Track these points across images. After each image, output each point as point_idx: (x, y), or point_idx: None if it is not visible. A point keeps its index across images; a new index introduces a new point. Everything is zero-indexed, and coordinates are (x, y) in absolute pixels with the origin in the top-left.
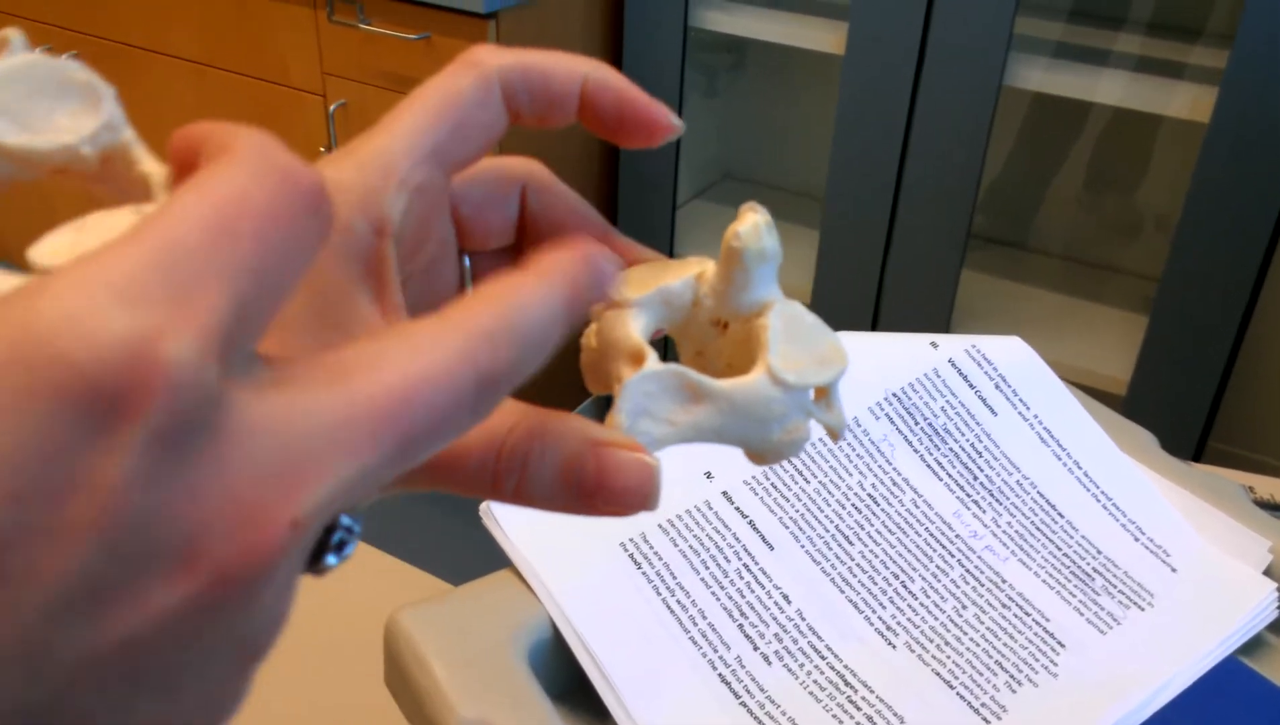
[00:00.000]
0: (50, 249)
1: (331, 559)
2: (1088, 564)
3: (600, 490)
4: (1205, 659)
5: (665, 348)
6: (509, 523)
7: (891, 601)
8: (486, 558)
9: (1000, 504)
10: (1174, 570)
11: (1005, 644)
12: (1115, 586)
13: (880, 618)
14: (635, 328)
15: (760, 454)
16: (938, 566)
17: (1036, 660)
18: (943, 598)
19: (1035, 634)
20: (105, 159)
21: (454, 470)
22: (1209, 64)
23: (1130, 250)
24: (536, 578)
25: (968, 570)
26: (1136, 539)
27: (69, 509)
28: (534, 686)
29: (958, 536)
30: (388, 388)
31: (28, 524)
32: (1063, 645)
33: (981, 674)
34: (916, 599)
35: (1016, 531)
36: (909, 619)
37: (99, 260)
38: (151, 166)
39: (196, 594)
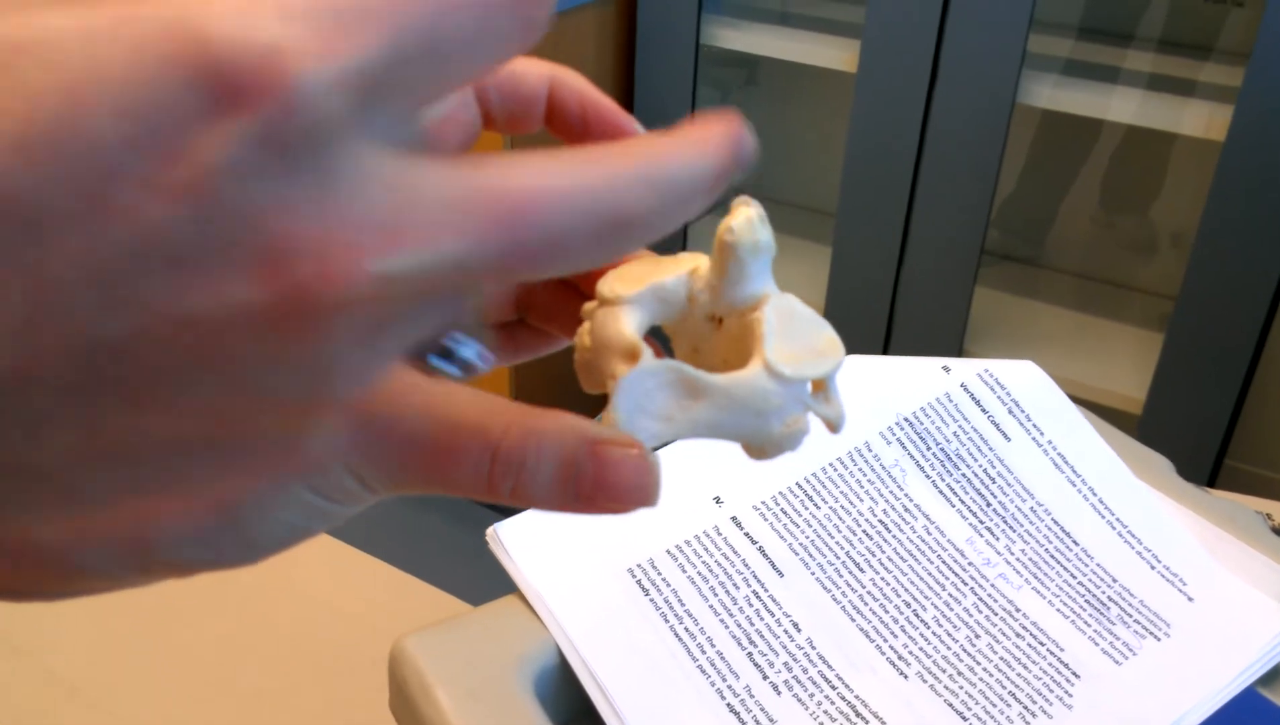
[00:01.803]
0: None
1: (436, 360)
2: (1103, 593)
3: (600, 489)
4: (1223, 690)
5: (666, 342)
6: (516, 549)
7: (903, 630)
8: (496, 574)
9: (1014, 531)
10: (1191, 599)
11: (1019, 674)
12: (1131, 616)
13: (892, 647)
14: (629, 325)
15: (760, 448)
16: (950, 594)
17: (1051, 691)
18: (955, 627)
19: (1050, 664)
20: None
21: (449, 472)
22: (1222, 81)
23: (1146, 268)
24: (543, 604)
25: (981, 599)
26: (1153, 567)
27: (170, 169)
28: (540, 715)
29: (970, 564)
30: (516, 186)
31: (135, 168)
32: (1078, 676)
33: (995, 705)
34: (929, 628)
35: (1030, 559)
36: (921, 648)
37: None
38: None
39: (270, 300)
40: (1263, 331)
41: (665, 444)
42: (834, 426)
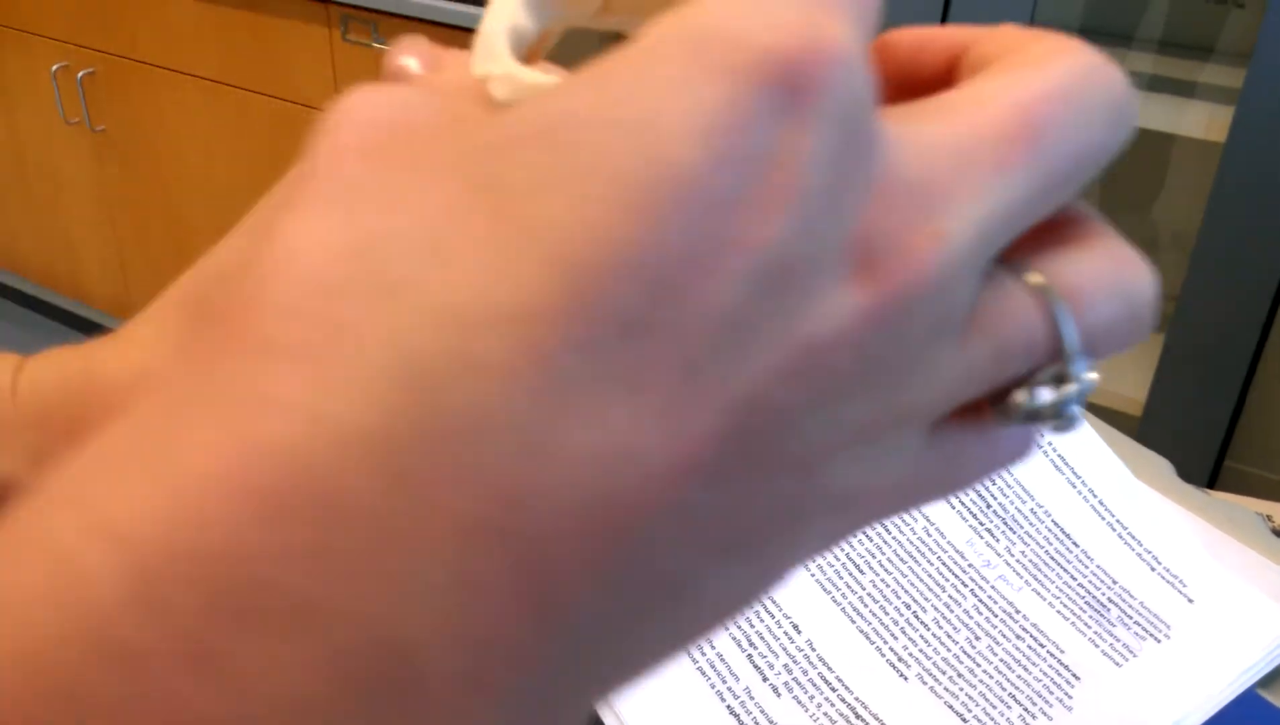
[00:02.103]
0: None
1: (1034, 396)
2: (1103, 594)
3: None
4: (1223, 692)
5: None
6: None
7: (903, 632)
8: None
9: (1014, 533)
10: (1191, 601)
11: (1019, 676)
12: (1131, 617)
13: (892, 649)
14: None
15: None
16: (950, 596)
17: (1051, 693)
18: (955, 628)
19: (1050, 666)
20: None
21: None
22: (1223, 83)
23: None
24: None
25: (981, 600)
26: (1153, 569)
27: (770, 180)
28: None
29: (970, 565)
30: (1013, 100)
31: (739, 190)
32: (1078, 678)
33: (995, 707)
34: (929, 629)
35: (1030, 561)
36: (921, 650)
37: None
38: None
39: (870, 301)
40: (1263, 332)
41: None
42: None
